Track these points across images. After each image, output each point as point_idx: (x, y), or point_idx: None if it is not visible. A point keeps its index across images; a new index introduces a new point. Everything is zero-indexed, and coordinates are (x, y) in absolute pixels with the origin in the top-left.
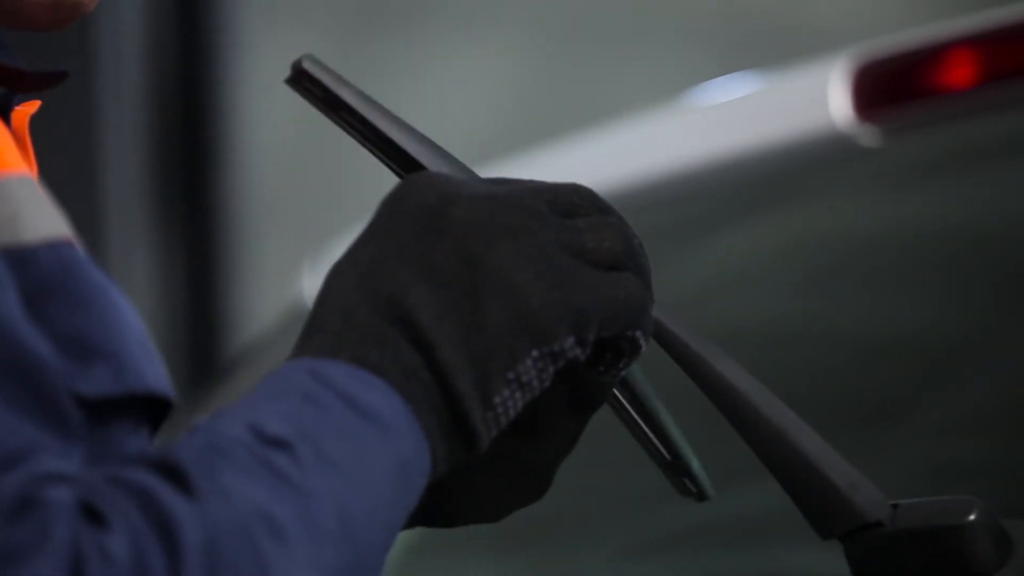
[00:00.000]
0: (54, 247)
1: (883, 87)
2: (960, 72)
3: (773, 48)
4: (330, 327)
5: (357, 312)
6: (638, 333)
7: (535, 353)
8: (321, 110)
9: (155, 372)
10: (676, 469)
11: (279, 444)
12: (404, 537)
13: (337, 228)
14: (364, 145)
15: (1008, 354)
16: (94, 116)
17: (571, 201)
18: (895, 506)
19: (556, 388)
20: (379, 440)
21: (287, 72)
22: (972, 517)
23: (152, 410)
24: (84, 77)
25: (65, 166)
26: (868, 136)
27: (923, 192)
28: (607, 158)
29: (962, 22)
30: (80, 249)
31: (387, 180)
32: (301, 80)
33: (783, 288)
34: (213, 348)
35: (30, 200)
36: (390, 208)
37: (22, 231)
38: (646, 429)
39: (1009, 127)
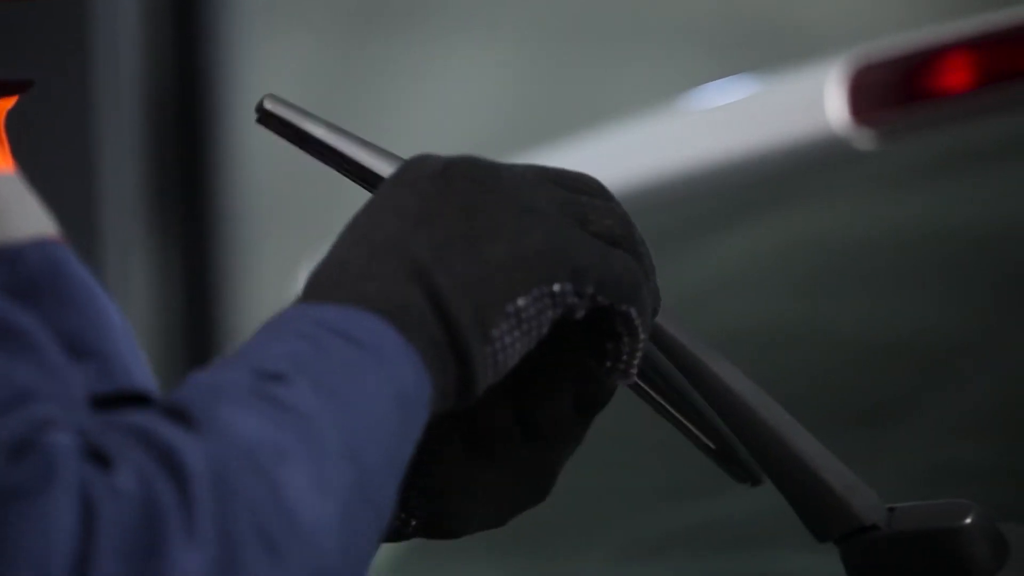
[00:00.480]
0: (41, 245)
1: (879, 90)
2: (956, 75)
3: (770, 51)
4: (327, 273)
5: (351, 258)
6: (632, 310)
7: (534, 292)
8: (292, 142)
9: (142, 371)
10: (723, 456)
11: (277, 377)
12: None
13: (333, 231)
14: (337, 170)
15: (1005, 356)
16: (91, 119)
17: (577, 181)
18: (891, 509)
19: (562, 388)
20: (376, 370)
21: (285, 73)
22: (969, 520)
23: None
24: (81, 80)
25: (62, 168)
26: (864, 139)
27: (920, 195)
28: (605, 160)
29: (958, 25)
30: (67, 248)
31: None
32: (268, 119)
33: (780, 290)
34: (210, 351)
35: (15, 198)
36: (393, 177)
37: (9, 229)
38: (686, 422)
39: (1006, 130)
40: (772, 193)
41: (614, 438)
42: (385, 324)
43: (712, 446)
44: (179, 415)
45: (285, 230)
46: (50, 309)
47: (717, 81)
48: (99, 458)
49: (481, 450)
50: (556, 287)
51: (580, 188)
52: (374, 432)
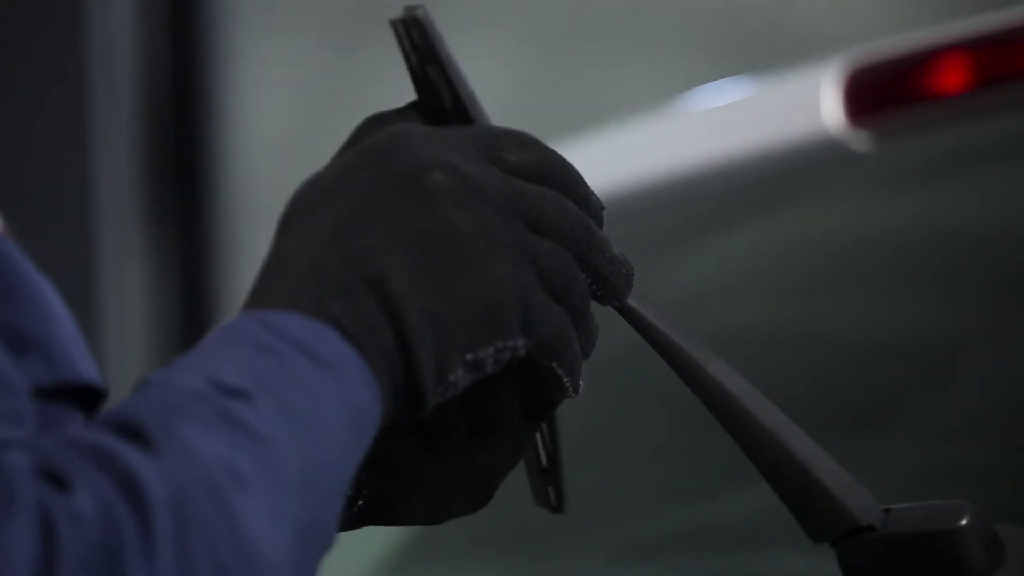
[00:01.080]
0: None
1: (875, 92)
2: (952, 77)
3: (766, 52)
4: (295, 273)
5: (325, 263)
6: (556, 366)
7: (496, 345)
8: (409, 57)
9: (87, 362)
10: (548, 477)
11: (238, 394)
12: (397, 541)
13: None
14: (426, 108)
15: (1001, 357)
16: (86, 120)
17: (542, 217)
18: (887, 510)
19: (507, 393)
20: (335, 390)
21: (280, 75)
22: (964, 522)
23: (85, 400)
24: (77, 80)
25: (58, 170)
26: (860, 141)
27: (916, 196)
28: (601, 162)
29: (954, 27)
30: (9, 241)
31: None
32: (410, 24)
33: (776, 291)
34: None
35: None
36: (374, 158)
37: None
38: (538, 433)
39: (1001, 131)
40: (768, 194)
41: (612, 440)
42: (347, 345)
43: (544, 464)
44: (137, 434)
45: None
46: None
47: (714, 83)
48: (56, 479)
49: (431, 445)
50: (512, 343)
51: (542, 224)
52: (329, 456)
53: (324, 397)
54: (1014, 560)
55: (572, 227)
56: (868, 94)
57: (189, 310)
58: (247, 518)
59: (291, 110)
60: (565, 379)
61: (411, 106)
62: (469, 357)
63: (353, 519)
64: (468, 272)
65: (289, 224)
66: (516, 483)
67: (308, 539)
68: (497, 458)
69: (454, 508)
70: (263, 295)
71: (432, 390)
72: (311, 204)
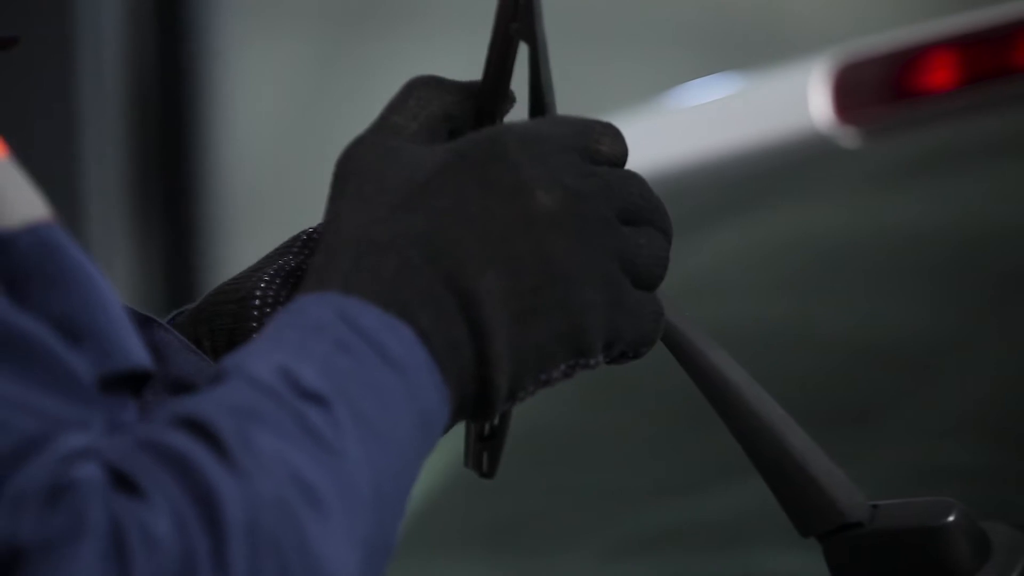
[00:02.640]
0: (34, 230)
1: (863, 88)
2: (940, 74)
3: (754, 49)
4: (381, 266)
5: (417, 266)
6: (643, 349)
7: (570, 362)
8: (503, 28)
9: (137, 347)
10: (487, 445)
11: (315, 399)
12: None
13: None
14: (492, 81)
15: (990, 356)
16: (74, 113)
17: (637, 207)
18: (875, 507)
19: None
20: (405, 393)
21: (267, 70)
22: (951, 519)
23: (136, 384)
24: (65, 75)
25: (45, 163)
26: (848, 137)
27: (903, 194)
28: None
29: (942, 24)
30: (60, 228)
31: None
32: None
33: (763, 289)
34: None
35: (8, 183)
36: (475, 164)
37: (2, 216)
38: None
39: (989, 129)
40: (756, 191)
41: (600, 438)
42: (420, 346)
43: (487, 432)
44: (212, 439)
45: (267, 225)
46: (44, 293)
47: (701, 79)
48: (129, 486)
49: None
50: (590, 360)
51: (637, 216)
52: (398, 466)
53: (395, 402)
54: (999, 557)
55: (661, 210)
56: (856, 91)
57: (175, 303)
58: (319, 540)
59: (278, 104)
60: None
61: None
62: (543, 377)
63: None
64: (560, 303)
65: (367, 204)
66: (505, 480)
67: (375, 554)
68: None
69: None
70: (341, 275)
71: (500, 409)
72: (405, 196)
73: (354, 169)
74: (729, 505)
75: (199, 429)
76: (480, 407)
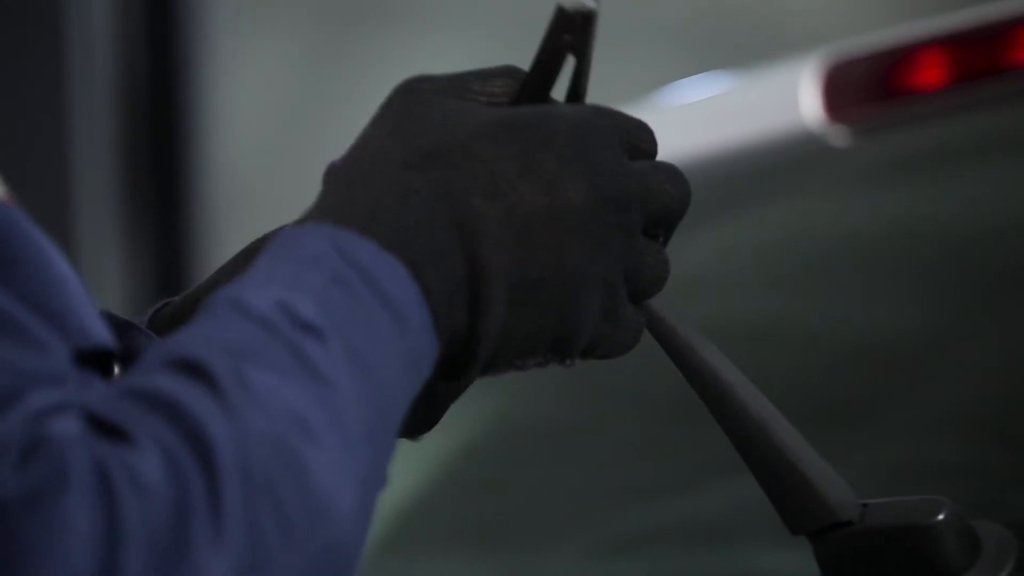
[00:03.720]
0: None
1: (854, 87)
2: (930, 73)
3: (744, 48)
4: (394, 210)
5: (437, 223)
6: (616, 355)
7: (548, 356)
8: (555, 42)
9: (98, 326)
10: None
11: (311, 331)
12: (371, 535)
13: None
14: (533, 88)
15: (980, 354)
16: (65, 114)
17: (664, 214)
18: (865, 505)
19: None
20: (396, 330)
21: (259, 68)
22: (941, 517)
23: (100, 364)
24: (55, 72)
25: (36, 164)
26: (839, 136)
27: (893, 192)
28: None
29: (932, 23)
30: (16, 208)
31: None
32: (576, 17)
33: (752, 287)
34: None
35: None
36: (513, 131)
37: None
38: None
39: (979, 127)
40: (747, 190)
41: (588, 435)
42: (413, 283)
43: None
44: (204, 376)
45: (258, 226)
46: (4, 272)
47: (692, 77)
48: (115, 432)
49: None
50: (566, 360)
51: (663, 218)
52: (388, 402)
53: (386, 339)
54: (990, 555)
55: (679, 217)
56: (847, 90)
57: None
58: (315, 474)
59: (270, 104)
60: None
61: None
62: (518, 363)
63: None
64: (559, 302)
65: (399, 145)
66: (493, 478)
67: (370, 491)
68: (451, 388)
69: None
70: (352, 209)
71: (470, 379)
72: (437, 147)
73: (394, 109)
74: (718, 503)
75: (191, 369)
76: (454, 371)
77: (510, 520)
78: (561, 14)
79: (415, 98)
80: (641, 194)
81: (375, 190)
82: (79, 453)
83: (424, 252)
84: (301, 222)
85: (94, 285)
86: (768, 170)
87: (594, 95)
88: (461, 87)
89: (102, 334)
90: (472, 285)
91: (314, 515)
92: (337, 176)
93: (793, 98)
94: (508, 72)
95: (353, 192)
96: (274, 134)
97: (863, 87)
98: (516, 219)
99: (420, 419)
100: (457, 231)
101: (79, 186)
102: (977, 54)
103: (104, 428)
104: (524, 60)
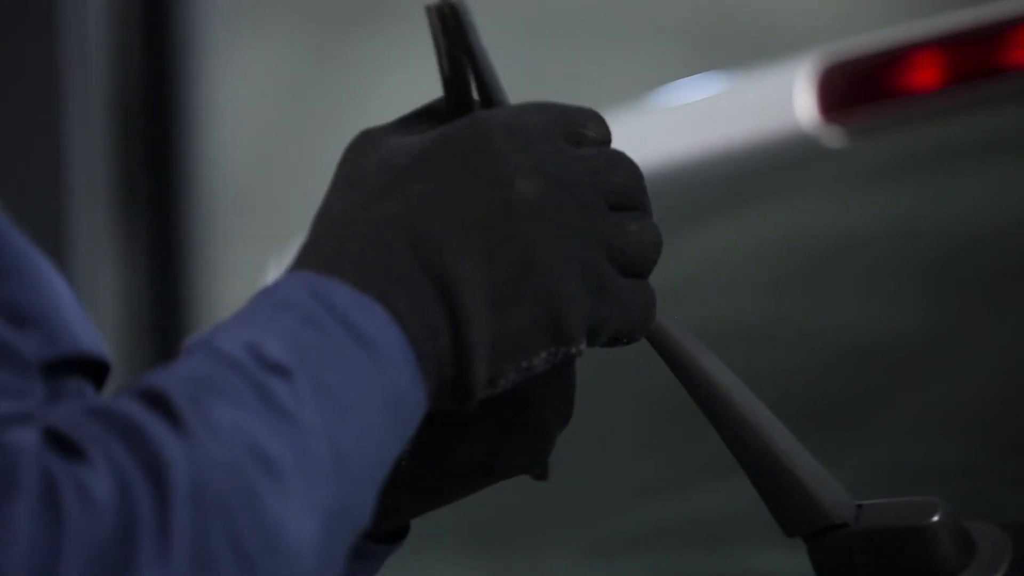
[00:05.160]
0: None
1: (848, 88)
2: (925, 74)
3: (739, 48)
4: (361, 251)
5: (396, 252)
6: (636, 336)
7: (552, 350)
8: (441, 45)
9: (89, 335)
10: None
11: (277, 370)
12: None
13: (302, 225)
14: (453, 97)
15: (975, 355)
16: (59, 117)
17: (626, 194)
18: (859, 506)
19: None
20: (373, 370)
21: (253, 75)
22: (936, 518)
23: (92, 373)
24: (50, 75)
25: (30, 167)
26: (833, 137)
27: (888, 193)
28: None
29: (927, 24)
30: (3, 217)
31: None
32: (445, 13)
33: (747, 289)
34: (178, 345)
35: None
36: (455, 150)
37: None
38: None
39: (974, 129)
40: (741, 191)
41: (585, 436)
42: (392, 324)
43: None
44: (165, 408)
45: (253, 226)
46: None
47: (686, 78)
48: (69, 448)
49: None
50: (571, 348)
51: (627, 200)
52: (364, 440)
53: (363, 378)
54: (984, 556)
55: (639, 193)
56: (841, 91)
57: (160, 304)
58: (273, 506)
59: (265, 104)
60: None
61: (410, 117)
62: (523, 364)
63: (402, 482)
64: (537, 292)
65: (352, 189)
66: None
67: (337, 526)
68: (549, 408)
69: (512, 460)
70: (318, 257)
71: (480, 392)
72: (383, 182)
73: (345, 159)
74: (715, 504)
75: (153, 398)
76: (459, 393)
77: (507, 520)
78: (429, 15)
79: (363, 144)
80: (591, 175)
81: (339, 235)
82: (30, 463)
83: (391, 284)
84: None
85: (89, 288)
86: (763, 171)
87: (592, 97)
88: (404, 126)
89: (94, 343)
90: (446, 302)
91: (270, 545)
92: (312, 227)
93: (788, 99)
94: (437, 102)
95: (321, 240)
96: (270, 136)
97: (858, 88)
98: (472, 226)
99: (527, 444)
100: (414, 254)
101: (74, 189)
102: (972, 55)
103: (59, 443)
104: (521, 56)
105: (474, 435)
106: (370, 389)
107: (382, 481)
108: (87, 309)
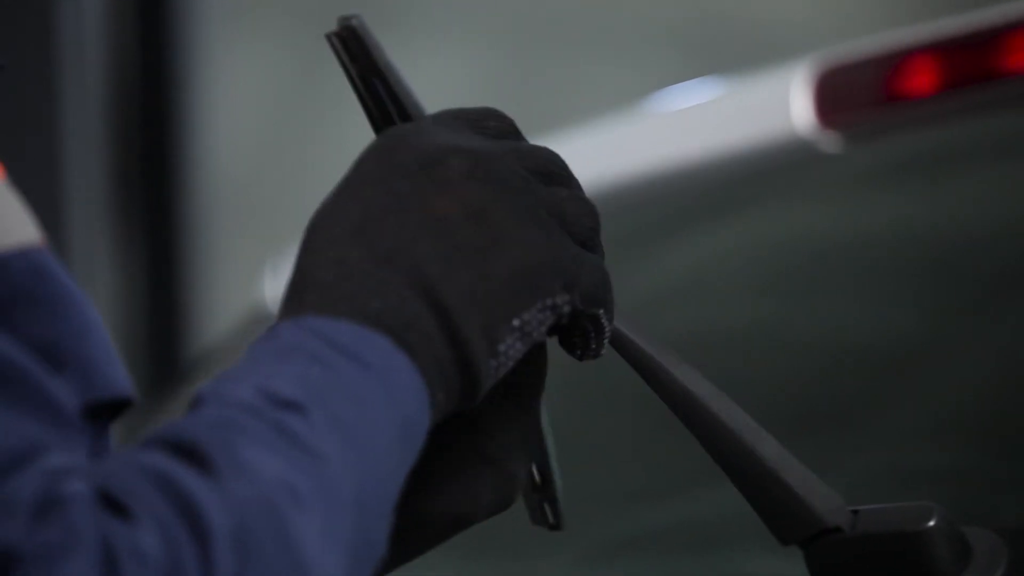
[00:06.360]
0: (26, 254)
1: (845, 93)
2: (922, 79)
3: (735, 53)
4: (323, 280)
5: (351, 262)
6: (602, 311)
7: (539, 304)
8: (352, 73)
9: (121, 375)
10: (543, 495)
11: (292, 407)
12: None
13: (298, 231)
14: (377, 123)
15: (969, 360)
16: (55, 122)
17: (549, 169)
18: (855, 512)
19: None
20: (384, 398)
21: (249, 78)
22: (932, 523)
23: (117, 411)
24: (47, 80)
25: (27, 172)
26: (829, 142)
27: (885, 198)
28: (571, 162)
29: (923, 29)
30: (50, 254)
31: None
32: (345, 38)
33: (744, 293)
34: (174, 351)
35: (4, 206)
36: (378, 158)
37: None
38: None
39: (971, 133)
40: (738, 196)
41: (578, 440)
42: (393, 345)
43: (538, 481)
44: (195, 456)
45: (249, 231)
46: (31, 318)
47: (683, 83)
48: (117, 507)
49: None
50: (556, 299)
51: (552, 176)
52: (379, 469)
53: (374, 407)
54: (980, 562)
55: (573, 176)
56: (838, 96)
57: (157, 309)
58: (303, 540)
59: (262, 108)
60: (607, 325)
61: None
62: (516, 323)
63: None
64: (499, 244)
65: (309, 241)
66: None
67: (359, 557)
68: (507, 443)
69: (479, 503)
70: (299, 304)
71: (485, 365)
72: (328, 210)
73: (309, 227)
74: (710, 508)
75: (183, 448)
76: (465, 371)
77: (501, 525)
78: (331, 43)
79: (315, 219)
80: (512, 151)
81: (317, 280)
82: (89, 520)
83: (381, 306)
84: (278, 319)
85: (86, 289)
86: (760, 176)
87: (589, 102)
88: None
89: (123, 384)
90: (428, 300)
91: None
92: (301, 271)
93: (785, 103)
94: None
95: (302, 292)
96: (267, 139)
97: (855, 93)
98: (424, 213)
99: (494, 487)
100: (388, 266)
101: (71, 194)
102: (968, 60)
103: (106, 500)
104: (517, 61)
105: (436, 480)
106: (381, 415)
107: (393, 506)
108: None
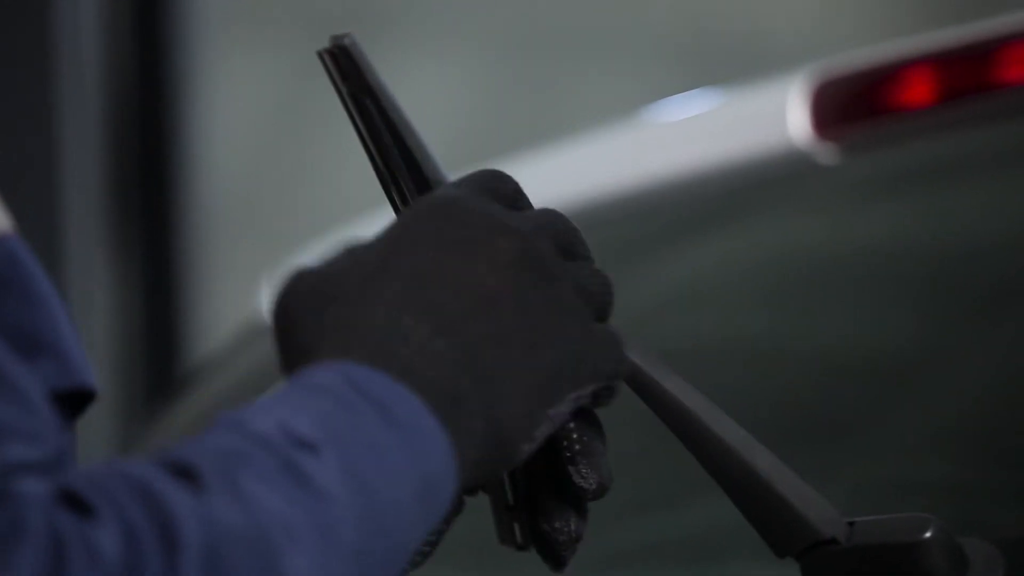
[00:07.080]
0: (1, 242)
1: (841, 105)
2: (918, 91)
3: (732, 65)
4: (374, 337)
5: (406, 326)
6: (616, 381)
7: (573, 395)
8: (343, 91)
9: (87, 366)
10: (514, 515)
11: (306, 446)
12: None
13: (295, 243)
14: (367, 143)
15: (968, 370)
16: (53, 129)
17: (569, 241)
18: (851, 523)
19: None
20: (405, 453)
21: (248, 87)
22: (928, 534)
23: (82, 404)
24: (43, 90)
25: (24, 179)
26: (826, 154)
27: (881, 210)
28: (566, 173)
29: (920, 41)
30: (22, 243)
31: (345, 196)
32: (337, 56)
33: (741, 305)
34: (171, 362)
35: None
36: (425, 224)
37: None
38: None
39: (967, 145)
40: (734, 207)
41: None
42: (427, 410)
43: (511, 501)
44: (189, 475)
45: (246, 242)
46: (8, 306)
47: (680, 94)
48: (80, 506)
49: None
50: (585, 392)
51: (573, 252)
52: (389, 521)
53: (395, 461)
54: (977, 573)
55: (583, 240)
56: (835, 107)
57: (154, 320)
58: (288, 574)
59: (259, 117)
60: (617, 389)
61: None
62: (552, 413)
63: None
64: (543, 334)
65: (342, 294)
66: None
67: None
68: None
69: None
70: (344, 351)
71: (519, 451)
72: (370, 270)
73: (332, 283)
74: (705, 520)
75: (175, 464)
76: (500, 451)
77: (492, 539)
78: (322, 60)
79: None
80: (540, 229)
81: (362, 335)
82: (38, 515)
83: (422, 369)
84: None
85: (83, 305)
86: (756, 187)
87: (585, 112)
88: None
89: (90, 374)
90: (472, 375)
91: None
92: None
93: (781, 115)
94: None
95: (350, 328)
96: (264, 149)
97: (851, 105)
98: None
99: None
100: (436, 334)
101: (68, 205)
102: (965, 72)
103: (69, 499)
104: (515, 73)
105: None
106: (402, 472)
107: (407, 563)
108: (80, 326)
